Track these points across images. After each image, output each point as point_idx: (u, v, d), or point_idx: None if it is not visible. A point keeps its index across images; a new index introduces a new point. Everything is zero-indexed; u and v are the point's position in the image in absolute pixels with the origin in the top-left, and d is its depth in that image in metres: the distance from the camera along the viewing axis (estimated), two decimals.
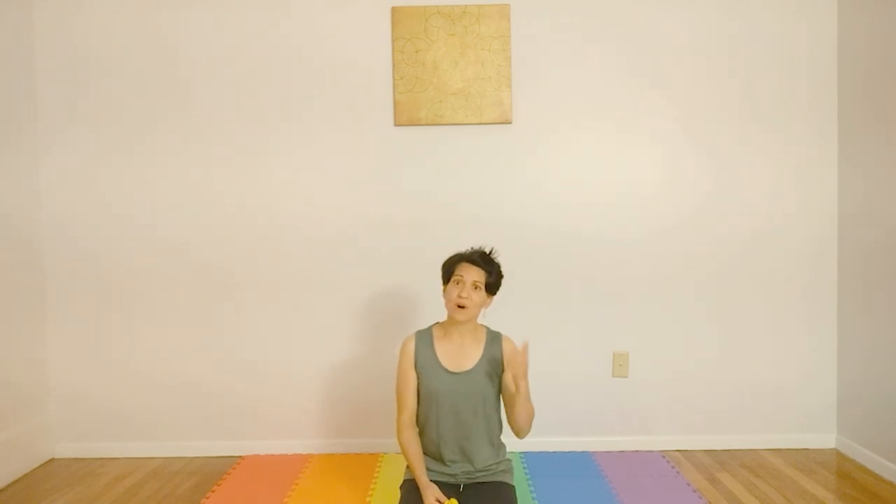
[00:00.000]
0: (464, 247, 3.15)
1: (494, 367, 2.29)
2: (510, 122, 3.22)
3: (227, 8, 3.21)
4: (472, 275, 2.24)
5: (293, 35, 3.22)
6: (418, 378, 2.32)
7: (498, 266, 2.32)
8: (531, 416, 2.24)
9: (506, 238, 3.21)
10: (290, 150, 3.24)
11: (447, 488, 2.25)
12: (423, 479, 2.21)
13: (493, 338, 2.34)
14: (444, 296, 2.30)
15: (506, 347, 2.32)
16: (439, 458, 2.29)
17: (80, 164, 3.24)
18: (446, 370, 2.28)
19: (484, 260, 2.29)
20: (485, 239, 3.20)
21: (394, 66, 3.20)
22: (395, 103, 3.21)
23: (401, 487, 2.31)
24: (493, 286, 2.29)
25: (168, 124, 3.23)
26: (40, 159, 3.24)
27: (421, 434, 2.35)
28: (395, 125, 3.22)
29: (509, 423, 2.27)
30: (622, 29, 3.21)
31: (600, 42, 3.21)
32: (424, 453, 2.32)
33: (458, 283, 2.24)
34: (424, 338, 2.35)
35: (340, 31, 3.21)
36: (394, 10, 3.19)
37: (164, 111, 3.23)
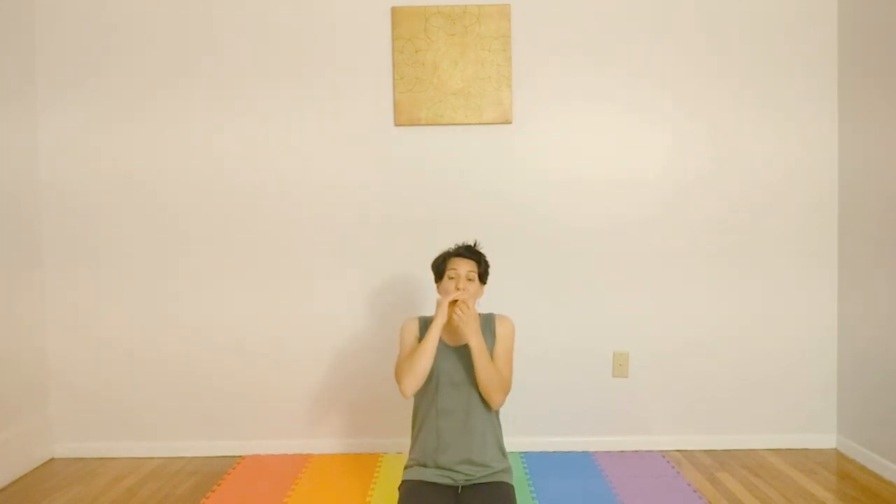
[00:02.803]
0: None
1: (489, 341, 2.35)
2: (510, 122, 3.22)
3: None
4: (465, 266, 2.34)
5: (293, 35, 3.22)
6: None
7: (484, 256, 2.43)
8: (493, 382, 2.25)
9: (506, 237, 3.22)
10: (289, 150, 3.24)
11: (446, 490, 2.25)
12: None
13: (487, 318, 2.41)
14: (440, 292, 2.37)
15: (499, 321, 2.40)
16: (438, 446, 2.29)
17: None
18: (445, 344, 2.34)
19: (471, 252, 2.40)
20: (485, 238, 3.20)
21: (394, 66, 3.20)
22: (395, 103, 3.21)
23: (400, 487, 2.30)
24: (483, 275, 2.40)
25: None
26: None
27: (419, 419, 2.35)
28: (395, 125, 3.22)
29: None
30: (621, 26, 3.21)
31: (600, 41, 3.21)
32: (423, 446, 2.32)
33: (452, 278, 2.33)
34: (425, 320, 2.40)
35: (340, 30, 3.21)
36: (394, 10, 3.19)
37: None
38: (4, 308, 3.00)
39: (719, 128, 3.23)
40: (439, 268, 2.39)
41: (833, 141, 3.22)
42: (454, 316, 2.24)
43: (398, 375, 2.27)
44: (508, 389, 2.32)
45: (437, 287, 2.41)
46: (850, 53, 3.12)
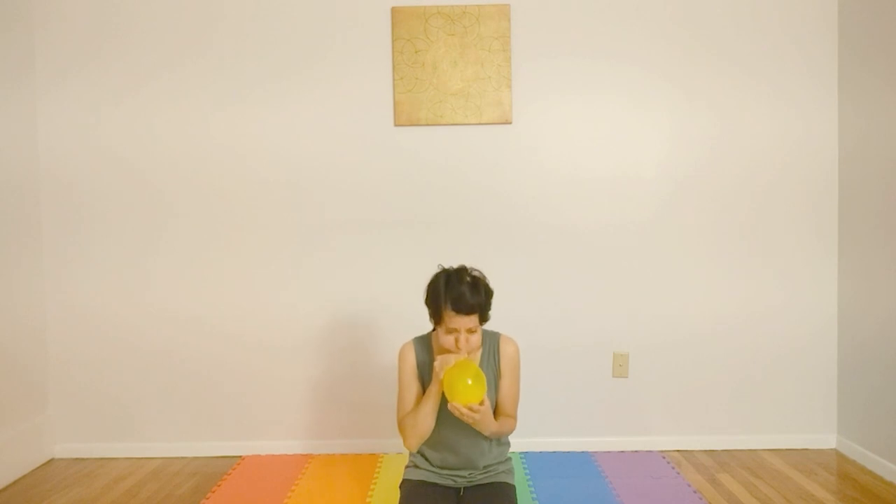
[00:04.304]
0: (462, 249, 3.20)
1: (493, 369, 2.24)
2: (510, 123, 3.22)
3: None
4: (465, 323, 2.08)
5: (292, 34, 3.21)
6: (422, 387, 2.25)
7: (485, 290, 2.14)
8: (504, 435, 2.25)
9: (506, 237, 3.22)
10: (288, 150, 3.23)
11: (447, 491, 2.24)
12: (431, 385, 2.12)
13: (491, 339, 2.27)
14: (438, 333, 2.16)
15: (503, 349, 2.24)
16: (441, 464, 2.27)
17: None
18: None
19: (473, 297, 2.08)
20: (485, 238, 3.22)
21: (394, 66, 3.20)
22: (395, 103, 3.21)
23: (400, 487, 2.30)
24: (485, 316, 2.16)
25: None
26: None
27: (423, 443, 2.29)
28: (395, 125, 3.22)
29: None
30: (622, 25, 3.21)
31: (600, 41, 3.21)
32: (426, 458, 2.29)
33: (450, 332, 2.11)
34: (423, 346, 2.27)
35: (340, 30, 3.21)
36: (394, 10, 3.19)
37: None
38: (5, 307, 3.00)
39: (721, 127, 3.22)
40: (435, 312, 2.12)
41: (833, 131, 3.22)
42: (466, 421, 2.04)
43: (401, 431, 2.20)
44: (516, 426, 2.27)
45: (432, 323, 2.20)
46: (851, 37, 3.10)
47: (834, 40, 3.20)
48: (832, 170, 3.22)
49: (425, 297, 2.18)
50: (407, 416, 2.19)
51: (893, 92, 2.84)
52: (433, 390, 2.11)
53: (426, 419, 2.14)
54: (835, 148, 3.22)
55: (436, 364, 2.10)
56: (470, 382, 1.99)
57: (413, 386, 2.23)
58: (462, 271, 2.16)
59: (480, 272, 2.19)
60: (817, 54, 3.21)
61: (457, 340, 2.09)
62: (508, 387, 2.24)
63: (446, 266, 2.22)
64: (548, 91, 3.22)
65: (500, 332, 2.31)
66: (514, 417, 2.26)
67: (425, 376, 2.23)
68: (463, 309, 2.07)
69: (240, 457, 3.24)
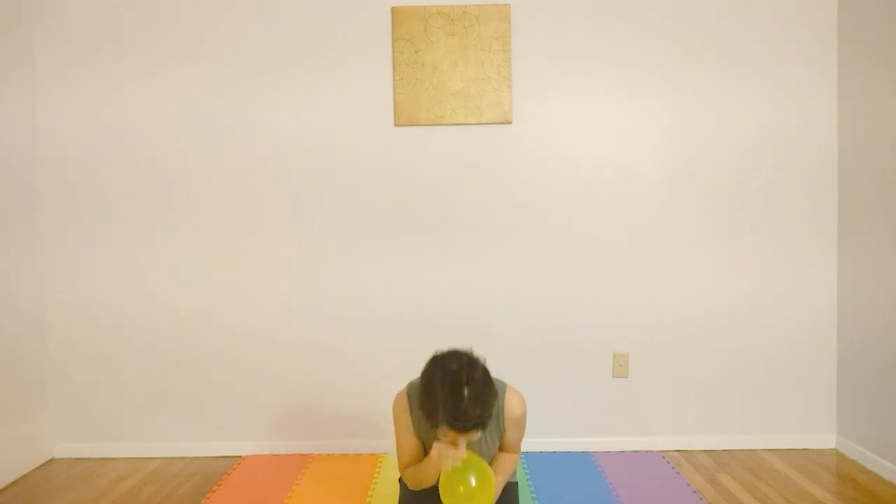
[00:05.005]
0: (462, 249, 3.20)
1: (496, 427, 2.13)
2: (510, 123, 3.22)
3: None
4: (465, 436, 1.90)
5: (292, 34, 3.22)
6: (422, 441, 2.14)
7: (488, 400, 1.90)
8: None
9: (506, 237, 3.22)
10: (287, 149, 3.24)
11: None
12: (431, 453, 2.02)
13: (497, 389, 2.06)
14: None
15: (508, 410, 2.09)
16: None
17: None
18: None
19: (474, 410, 1.85)
20: (485, 239, 3.22)
21: (394, 66, 3.20)
22: (395, 103, 3.21)
23: (400, 481, 2.30)
24: (486, 424, 1.94)
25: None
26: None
27: None
28: (395, 125, 3.22)
29: None
30: (621, 25, 3.21)
31: (599, 40, 3.21)
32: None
33: (447, 435, 1.93)
34: (414, 388, 2.09)
35: (340, 31, 3.22)
36: (394, 11, 3.19)
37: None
38: (5, 306, 3.00)
39: (722, 126, 3.22)
40: (431, 419, 1.92)
41: (832, 125, 3.21)
42: None
43: (402, 475, 2.15)
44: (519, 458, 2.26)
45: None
46: (850, 30, 3.10)
47: (833, 33, 3.20)
48: (832, 165, 3.23)
49: (418, 398, 1.96)
50: (408, 471, 2.14)
51: (893, 85, 2.85)
52: (432, 466, 2.00)
53: (427, 479, 2.07)
54: (834, 142, 3.22)
55: (433, 453, 1.98)
56: (474, 483, 1.90)
57: (410, 442, 2.14)
58: (459, 379, 1.87)
59: (482, 364, 1.96)
60: (816, 48, 3.21)
61: (455, 441, 1.92)
62: (512, 437, 2.17)
63: (441, 342, 2.07)
64: (548, 91, 3.23)
65: (507, 383, 2.15)
66: (518, 452, 2.24)
67: (423, 433, 2.11)
68: (463, 429, 1.86)
69: (240, 457, 3.24)
